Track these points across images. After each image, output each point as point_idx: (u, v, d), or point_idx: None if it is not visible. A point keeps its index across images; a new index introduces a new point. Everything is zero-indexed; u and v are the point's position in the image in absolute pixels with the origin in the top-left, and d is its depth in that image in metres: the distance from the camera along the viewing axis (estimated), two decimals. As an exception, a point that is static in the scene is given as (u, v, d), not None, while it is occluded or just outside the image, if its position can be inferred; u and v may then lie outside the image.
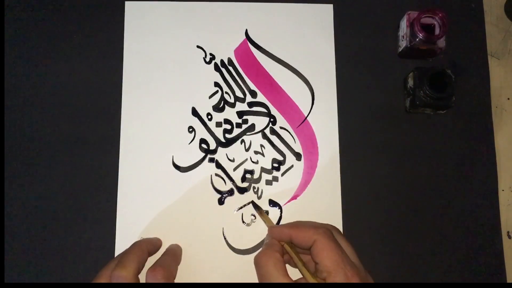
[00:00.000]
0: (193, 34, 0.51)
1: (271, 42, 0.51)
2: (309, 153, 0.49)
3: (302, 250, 0.40)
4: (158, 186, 0.48)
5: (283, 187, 0.48)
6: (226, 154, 0.49)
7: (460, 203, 0.49)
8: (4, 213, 0.47)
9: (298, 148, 0.49)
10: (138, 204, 0.47)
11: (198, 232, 0.47)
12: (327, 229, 0.39)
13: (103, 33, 0.51)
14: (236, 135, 0.49)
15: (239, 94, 0.50)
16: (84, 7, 0.51)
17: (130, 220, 0.47)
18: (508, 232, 0.49)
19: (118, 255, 0.42)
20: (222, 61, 0.51)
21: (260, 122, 0.50)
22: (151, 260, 0.42)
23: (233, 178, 0.48)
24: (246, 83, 0.50)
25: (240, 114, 0.50)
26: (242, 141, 0.49)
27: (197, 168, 0.48)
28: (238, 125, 0.50)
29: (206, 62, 0.51)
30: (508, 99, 0.52)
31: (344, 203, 0.48)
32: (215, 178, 0.48)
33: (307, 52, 0.51)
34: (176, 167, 0.48)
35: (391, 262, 0.47)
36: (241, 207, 0.48)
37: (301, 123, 0.50)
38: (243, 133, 0.49)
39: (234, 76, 0.50)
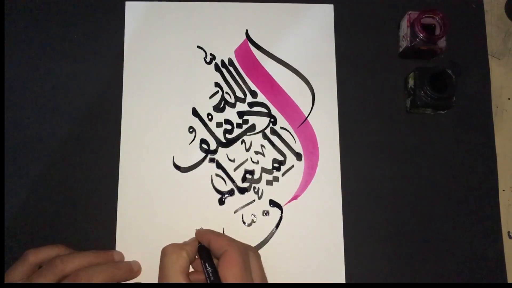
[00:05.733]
0: (194, 34, 0.51)
1: (272, 42, 0.51)
2: (309, 153, 0.49)
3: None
4: (159, 186, 0.48)
5: (283, 187, 0.48)
6: (227, 154, 0.49)
7: (460, 203, 0.49)
8: (4, 213, 0.47)
9: (298, 148, 0.49)
10: (138, 204, 0.47)
11: (199, 233, 0.47)
12: (243, 247, 0.40)
13: (103, 33, 0.51)
14: (236, 135, 0.49)
15: (239, 94, 0.50)
16: (84, 7, 0.51)
17: (130, 220, 0.47)
18: (508, 232, 0.49)
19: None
20: (222, 61, 0.51)
21: (261, 122, 0.50)
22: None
23: (234, 178, 0.48)
24: (247, 83, 0.50)
25: (240, 114, 0.50)
26: (243, 141, 0.49)
27: (197, 168, 0.48)
28: (239, 125, 0.49)
29: (206, 62, 0.51)
30: (509, 99, 0.52)
31: (344, 203, 0.48)
32: (215, 178, 0.48)
33: (308, 52, 0.51)
34: (177, 167, 0.48)
35: (391, 262, 0.47)
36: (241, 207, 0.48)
37: (301, 123, 0.50)
38: (244, 133, 0.49)
39: (234, 76, 0.50)
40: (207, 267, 0.40)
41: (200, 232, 0.43)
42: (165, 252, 0.40)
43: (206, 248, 0.42)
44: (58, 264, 0.40)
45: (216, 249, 0.40)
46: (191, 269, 0.43)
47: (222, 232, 0.47)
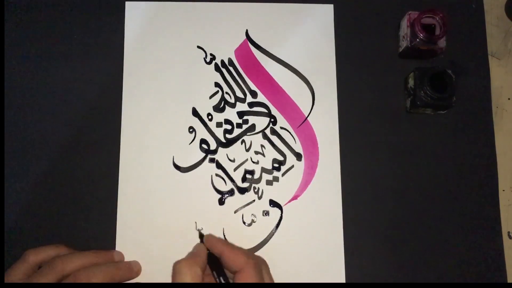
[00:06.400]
0: (194, 34, 0.51)
1: (272, 42, 0.51)
2: (309, 153, 0.49)
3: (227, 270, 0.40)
4: (159, 186, 0.48)
5: (283, 187, 0.48)
6: (227, 154, 0.49)
7: (460, 203, 0.49)
8: (4, 213, 0.47)
9: (298, 148, 0.49)
10: (138, 204, 0.47)
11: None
12: (258, 263, 0.39)
13: (103, 33, 0.51)
14: (236, 135, 0.49)
15: (239, 94, 0.50)
16: (84, 7, 0.51)
17: (130, 220, 0.47)
18: (508, 232, 0.49)
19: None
20: (222, 61, 0.51)
21: (261, 122, 0.50)
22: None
23: (234, 178, 0.48)
24: (247, 83, 0.50)
25: (240, 114, 0.50)
26: (243, 141, 0.49)
27: (197, 168, 0.48)
28: (239, 125, 0.49)
29: (206, 63, 0.51)
30: (509, 99, 0.52)
31: (344, 203, 0.48)
32: (215, 178, 0.48)
33: (308, 52, 0.51)
34: (177, 167, 0.48)
35: (391, 262, 0.47)
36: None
37: (301, 123, 0.50)
38: (244, 133, 0.49)
39: (234, 77, 0.50)
40: (220, 279, 0.39)
41: (211, 242, 0.42)
42: (179, 271, 0.38)
43: (216, 258, 0.41)
44: (58, 264, 0.40)
45: (230, 263, 0.39)
46: None
47: (221, 234, 0.47)
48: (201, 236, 0.44)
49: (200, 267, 0.39)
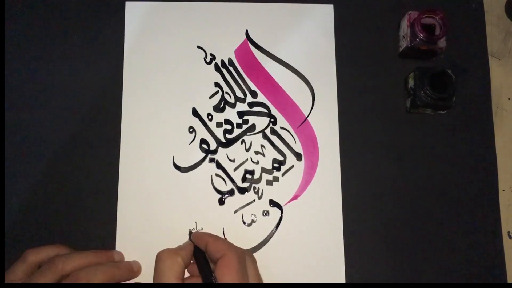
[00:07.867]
0: (194, 34, 0.51)
1: (272, 42, 0.51)
2: (309, 153, 0.49)
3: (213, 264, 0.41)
4: (159, 186, 0.48)
5: (283, 187, 0.48)
6: (227, 154, 0.49)
7: (460, 203, 0.49)
8: (4, 213, 0.47)
9: (298, 148, 0.49)
10: (138, 204, 0.47)
11: (199, 233, 0.47)
12: (242, 253, 0.40)
13: (103, 33, 0.51)
14: (236, 135, 0.49)
15: (239, 94, 0.50)
16: (84, 7, 0.51)
17: (130, 220, 0.47)
18: (508, 232, 0.49)
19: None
20: (222, 61, 0.51)
21: (261, 122, 0.50)
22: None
23: (234, 178, 0.48)
24: (247, 83, 0.50)
25: (240, 114, 0.50)
26: (243, 141, 0.49)
27: (197, 168, 0.48)
28: (239, 125, 0.50)
29: (206, 63, 0.51)
30: (509, 99, 0.52)
31: (344, 203, 0.48)
32: (215, 179, 0.48)
33: (308, 52, 0.51)
34: (177, 167, 0.48)
35: (391, 262, 0.47)
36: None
37: (301, 123, 0.50)
38: (244, 133, 0.49)
39: (234, 77, 0.50)
40: (204, 271, 0.39)
41: (197, 235, 0.43)
42: (159, 258, 0.39)
43: (202, 252, 0.41)
44: (58, 264, 0.40)
45: (213, 252, 0.39)
46: (186, 274, 0.42)
47: (221, 234, 0.47)
48: (190, 233, 0.46)
49: (182, 257, 0.39)
